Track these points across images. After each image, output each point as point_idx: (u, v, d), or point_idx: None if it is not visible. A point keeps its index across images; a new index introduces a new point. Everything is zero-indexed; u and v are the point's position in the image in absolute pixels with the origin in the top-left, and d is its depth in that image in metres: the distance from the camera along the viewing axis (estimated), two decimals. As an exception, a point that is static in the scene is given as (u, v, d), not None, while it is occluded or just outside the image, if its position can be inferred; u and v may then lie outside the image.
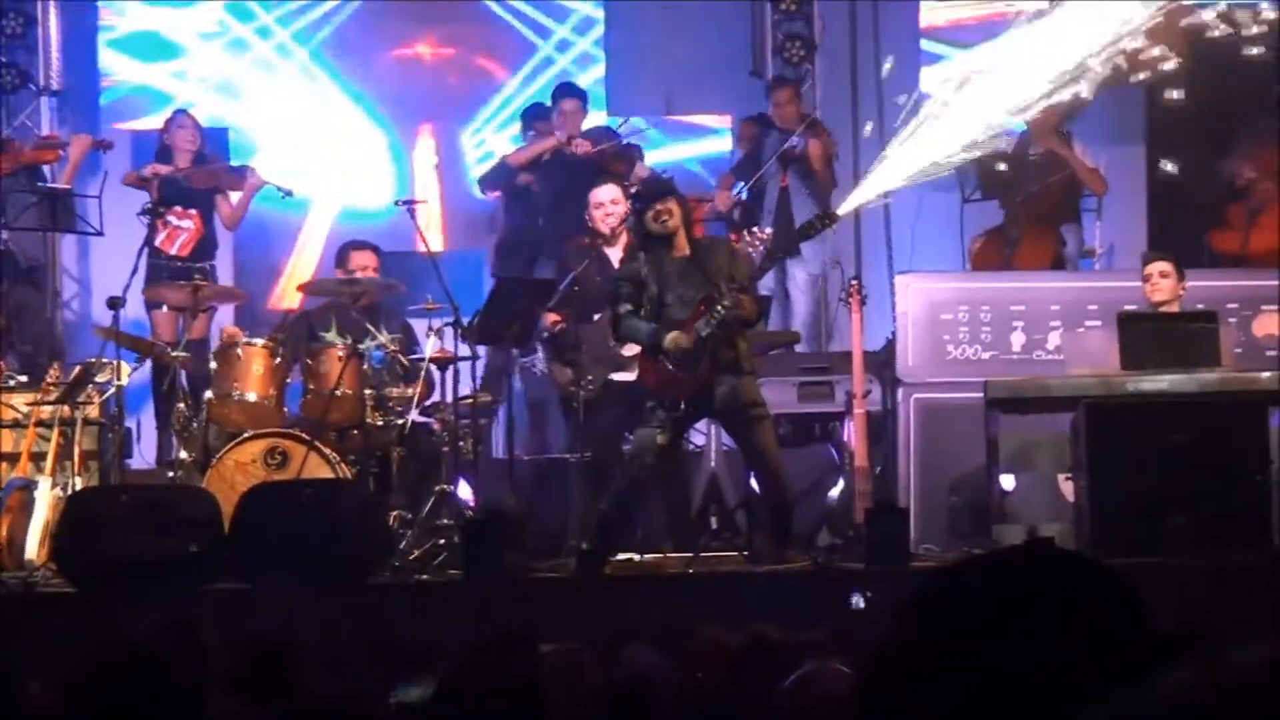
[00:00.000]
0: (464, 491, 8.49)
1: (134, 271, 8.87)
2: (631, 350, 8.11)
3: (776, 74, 10.86)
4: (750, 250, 8.76)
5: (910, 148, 7.84)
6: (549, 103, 10.51)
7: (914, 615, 1.95)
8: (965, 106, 7.87)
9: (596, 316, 8.61)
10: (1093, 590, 1.95)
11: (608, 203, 8.90)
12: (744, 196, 10.27)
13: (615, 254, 8.67)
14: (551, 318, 8.79)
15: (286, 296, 11.19)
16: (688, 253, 7.77)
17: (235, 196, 10.13)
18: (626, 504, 7.85)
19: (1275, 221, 9.76)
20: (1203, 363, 7.93)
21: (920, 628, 1.94)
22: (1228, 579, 7.03)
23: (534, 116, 10.63)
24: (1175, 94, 8.47)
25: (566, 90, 10.53)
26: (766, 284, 10.01)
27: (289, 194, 10.09)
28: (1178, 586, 6.83)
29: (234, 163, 10.57)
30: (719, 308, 7.57)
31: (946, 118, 7.84)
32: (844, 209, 8.26)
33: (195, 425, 8.51)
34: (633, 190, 7.95)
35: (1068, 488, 8.10)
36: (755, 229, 8.87)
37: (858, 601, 7.03)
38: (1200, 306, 8.51)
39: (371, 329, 8.79)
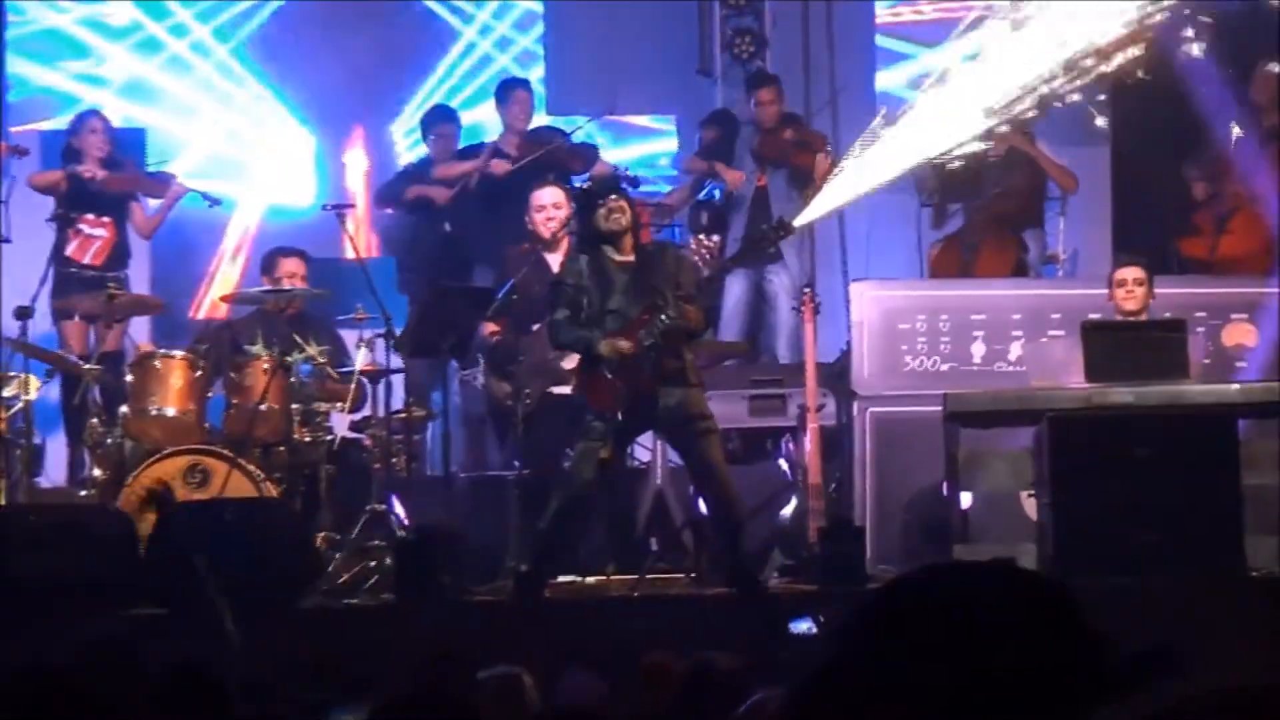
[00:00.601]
0: (396, 511, 8.46)
1: (43, 281, 8.82)
2: (572, 362, 8.11)
3: (757, 70, 10.85)
4: (696, 259, 8.78)
5: (871, 156, 7.86)
6: (499, 99, 10.49)
7: (853, 635, 1.96)
8: (930, 111, 7.88)
9: (536, 326, 8.60)
10: (1039, 608, 1.95)
11: (550, 206, 8.88)
12: (716, 197, 10.28)
13: (555, 260, 8.66)
14: (489, 328, 8.78)
15: (210, 305, 11.12)
16: (632, 258, 7.77)
17: (154, 203, 10.09)
18: (566, 523, 7.84)
19: (1244, 227, 9.84)
20: (1170, 374, 8.00)
21: (860, 648, 1.94)
22: (1197, 599, 7.10)
23: (436, 120, 10.57)
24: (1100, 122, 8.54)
25: (516, 82, 10.54)
26: (738, 290, 10.00)
27: (216, 203, 10.02)
28: (1145, 607, 6.89)
29: (151, 167, 10.50)
30: (663, 316, 7.58)
31: (909, 123, 7.85)
32: (800, 220, 8.26)
33: (110, 441, 8.45)
34: (582, 186, 7.87)
35: (1030, 505, 8.15)
36: (702, 237, 8.91)
37: (809, 628, 7.04)
38: (1168, 315, 8.57)
39: (299, 340, 8.77)
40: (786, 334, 10.10)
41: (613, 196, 7.71)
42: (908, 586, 2.01)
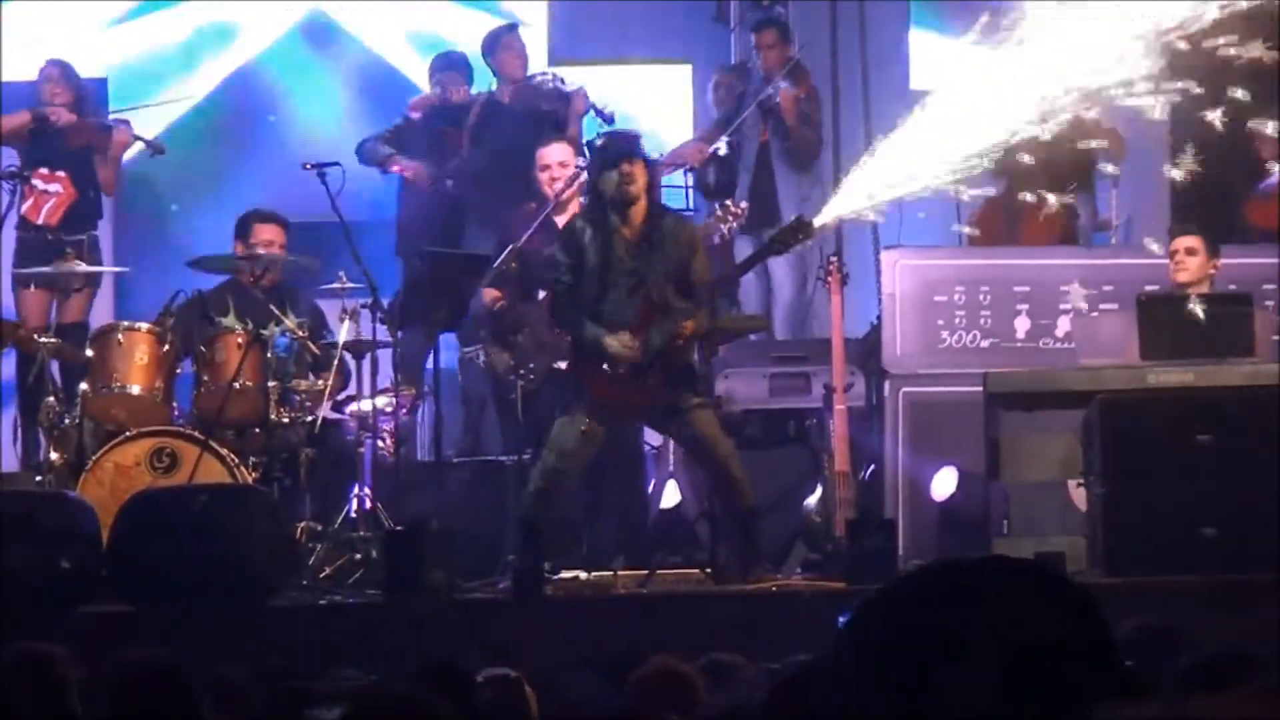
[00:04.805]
0: (364, 501, 8.44)
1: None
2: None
3: (762, 14, 10.82)
4: (722, 227, 8.76)
5: (904, 149, 7.80)
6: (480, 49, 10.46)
7: (850, 634, 1.99)
8: (975, 106, 7.80)
9: (542, 294, 8.59)
10: (1044, 609, 1.97)
11: (555, 164, 8.87)
12: (723, 151, 10.23)
13: (563, 221, 8.65)
14: (491, 294, 8.77)
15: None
16: (640, 234, 7.77)
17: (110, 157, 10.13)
18: (548, 506, 7.84)
19: (1317, 188, 9.76)
20: (1234, 352, 7.97)
21: (855, 647, 1.97)
22: (1264, 599, 7.06)
23: (441, 66, 10.55)
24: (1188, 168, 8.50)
25: (505, 29, 10.48)
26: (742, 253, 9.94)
27: (160, 151, 10.02)
28: (1206, 607, 6.86)
29: (112, 115, 10.48)
30: (657, 334, 7.62)
31: (950, 117, 7.78)
32: (821, 219, 8.22)
33: (68, 422, 8.44)
34: (595, 143, 7.89)
35: (1079, 495, 8.13)
36: (729, 202, 8.86)
37: None
38: (1232, 288, 8.54)
39: (276, 312, 8.75)
40: (784, 305, 10.06)
41: (625, 161, 7.70)
42: (912, 584, 2.05)
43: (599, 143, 7.94)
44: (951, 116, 7.75)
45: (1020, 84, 7.65)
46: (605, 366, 7.73)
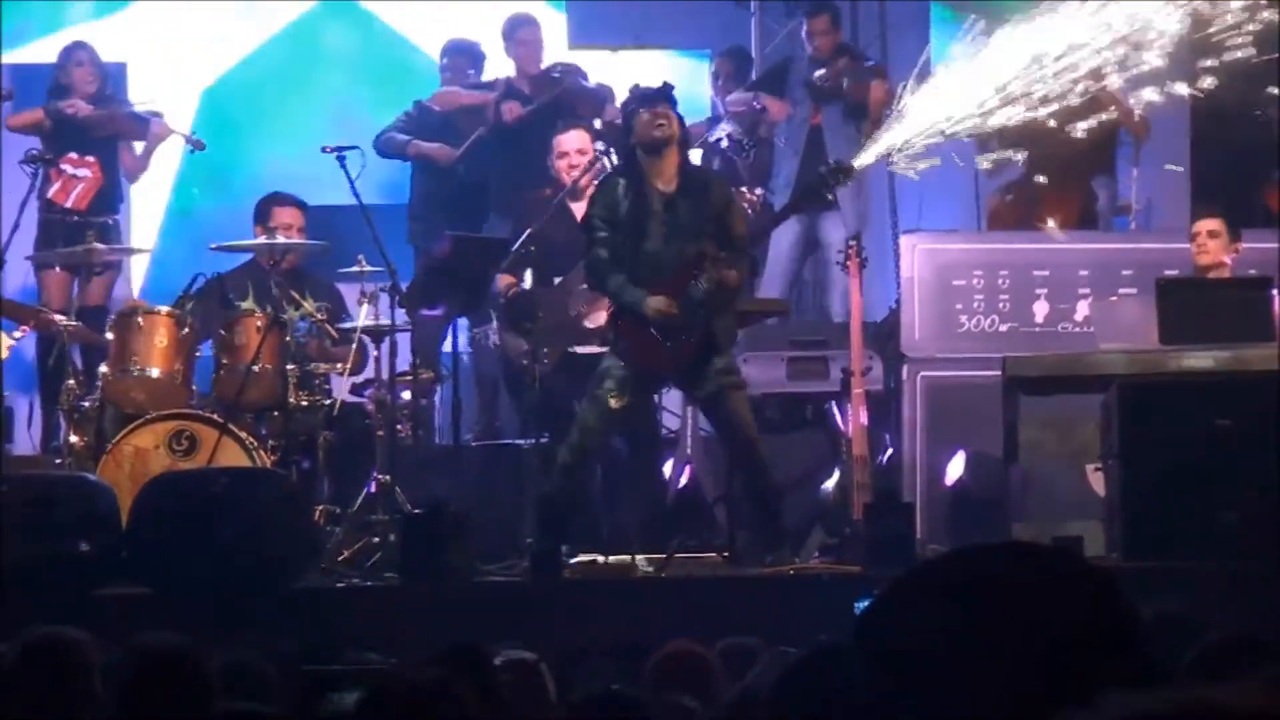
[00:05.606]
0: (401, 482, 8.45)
1: (15, 227, 8.79)
2: (596, 320, 8.12)
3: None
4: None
5: (931, 101, 7.81)
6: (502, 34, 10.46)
7: (868, 621, 2.01)
8: (981, 70, 7.83)
9: (557, 280, 8.58)
10: (1064, 595, 1.97)
11: (573, 152, 8.88)
12: (724, 143, 10.18)
13: (579, 208, 8.64)
14: (505, 280, 8.77)
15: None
16: (674, 185, 7.75)
17: (139, 146, 10.13)
18: (573, 481, 7.84)
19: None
20: (1253, 336, 7.94)
21: (873, 634, 1.99)
22: (1280, 584, 7.06)
23: (448, 51, 10.56)
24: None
25: (522, 20, 10.46)
26: (787, 240, 9.88)
27: (200, 147, 10.04)
28: (1223, 592, 6.85)
29: (136, 105, 10.49)
30: (699, 283, 7.57)
31: (963, 76, 7.81)
32: (860, 161, 8.19)
33: (88, 405, 8.45)
34: (631, 92, 7.92)
35: (1097, 479, 8.13)
36: (744, 189, 8.84)
37: None
38: (1252, 272, 8.51)
39: (295, 295, 8.75)
40: (841, 290, 10.02)
41: (661, 105, 7.69)
42: (930, 571, 2.05)
43: (632, 89, 7.94)
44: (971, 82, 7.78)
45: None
46: (646, 327, 7.70)
